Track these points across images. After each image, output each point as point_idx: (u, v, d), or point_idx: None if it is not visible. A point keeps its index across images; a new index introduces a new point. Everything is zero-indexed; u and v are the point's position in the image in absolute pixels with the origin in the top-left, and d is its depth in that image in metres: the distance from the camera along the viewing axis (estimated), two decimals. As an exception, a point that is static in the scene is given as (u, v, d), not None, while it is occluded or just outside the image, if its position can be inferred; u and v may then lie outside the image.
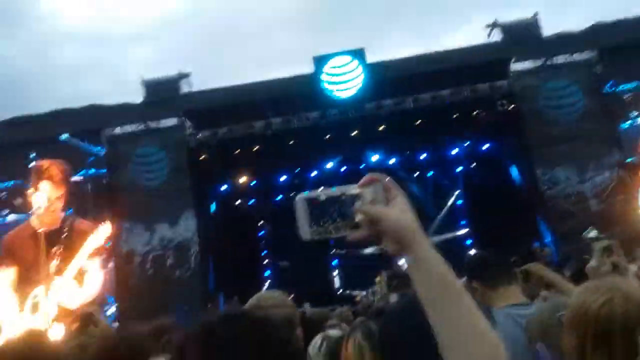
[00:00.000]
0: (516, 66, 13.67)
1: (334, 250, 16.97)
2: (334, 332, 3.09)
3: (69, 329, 2.83)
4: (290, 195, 16.27)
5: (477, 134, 15.10)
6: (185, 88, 14.73)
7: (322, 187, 1.13)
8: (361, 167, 15.28)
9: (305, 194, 1.11)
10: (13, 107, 14.92)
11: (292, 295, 6.40)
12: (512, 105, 13.34)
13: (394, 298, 7.31)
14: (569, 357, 1.72)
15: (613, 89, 13.30)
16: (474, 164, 16.42)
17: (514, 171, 14.54)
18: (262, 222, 17.29)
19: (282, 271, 15.94)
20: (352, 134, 14.31)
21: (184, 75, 14.79)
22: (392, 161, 15.91)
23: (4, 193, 14.08)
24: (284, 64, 16.57)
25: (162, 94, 14.33)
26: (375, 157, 15.53)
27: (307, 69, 13.96)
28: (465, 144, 15.84)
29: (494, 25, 14.45)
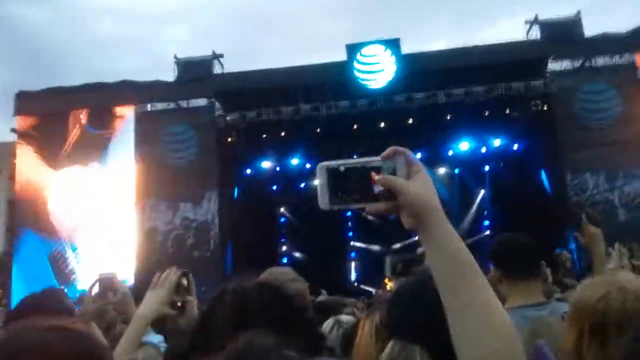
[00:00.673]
0: (554, 66, 13.36)
1: (352, 243, 16.98)
2: (346, 318, 3.08)
3: (89, 293, 2.88)
4: (313, 183, 16.34)
5: (509, 134, 14.82)
6: (217, 69, 14.79)
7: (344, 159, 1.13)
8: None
9: (325, 164, 1.11)
10: (46, 77, 15.18)
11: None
12: (547, 106, 13.05)
13: (396, 283, 7.31)
14: (567, 353, 1.70)
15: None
16: (502, 163, 16.13)
17: (543, 174, 14.25)
18: (283, 208, 17.34)
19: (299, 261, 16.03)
20: (381, 126, 14.19)
21: (217, 56, 14.83)
22: (418, 156, 15.61)
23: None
24: (317, 51, 16.52)
25: (195, 73, 14.41)
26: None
27: (340, 56, 13.88)
28: (495, 143, 15.57)
29: (534, 21, 14.09)
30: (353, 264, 17.04)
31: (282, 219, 17.50)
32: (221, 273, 13.26)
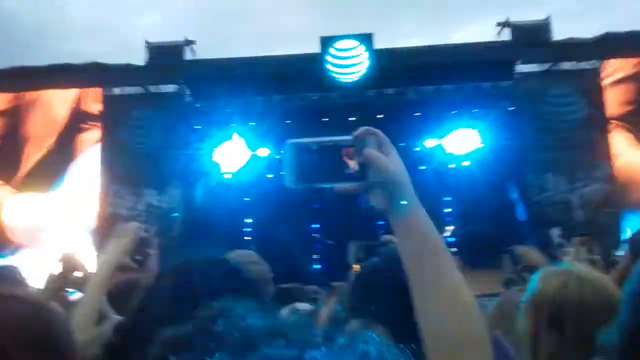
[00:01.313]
0: (522, 68, 13.60)
1: (317, 234, 16.98)
2: (302, 305, 3.09)
3: (51, 272, 2.81)
4: (281, 174, 16.28)
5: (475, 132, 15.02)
6: (189, 56, 14.60)
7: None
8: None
9: (295, 141, 1.08)
10: (12, 58, 14.71)
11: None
12: (513, 107, 13.29)
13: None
14: (522, 342, 1.73)
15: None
16: (468, 162, 16.36)
17: (506, 173, 14.52)
18: (249, 198, 17.23)
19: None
20: (351, 119, 14.23)
21: (189, 42, 14.64)
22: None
23: None
24: (290, 43, 16.40)
25: (165, 59, 14.20)
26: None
27: (314, 49, 13.84)
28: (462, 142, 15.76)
29: (505, 24, 14.32)
30: (317, 256, 17.06)
31: (249, 209, 17.40)
32: (185, 259, 13.12)
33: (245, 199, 17.16)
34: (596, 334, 1.41)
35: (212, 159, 15.56)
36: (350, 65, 13.64)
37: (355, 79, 13.57)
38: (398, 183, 1.04)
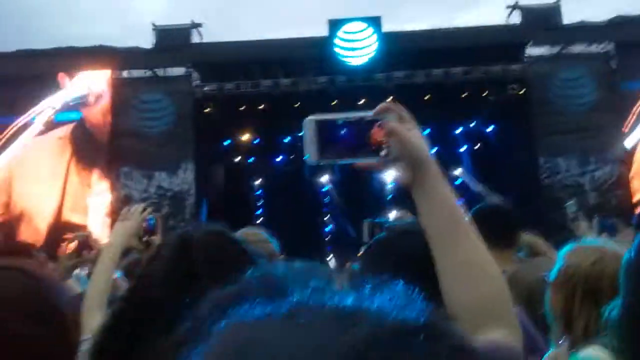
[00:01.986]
0: (532, 51, 13.48)
1: (328, 216, 17.04)
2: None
3: (64, 250, 2.85)
4: (291, 157, 16.31)
5: (485, 116, 14.98)
6: (196, 39, 14.53)
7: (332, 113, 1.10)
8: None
9: (316, 116, 1.08)
10: (20, 41, 14.68)
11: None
12: (523, 90, 13.20)
13: None
14: (555, 316, 1.74)
15: (627, 84, 13.14)
16: (479, 144, 16.33)
17: (518, 157, 14.49)
18: (259, 181, 17.30)
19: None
20: (359, 103, 14.18)
21: (196, 25, 14.56)
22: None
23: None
24: (298, 25, 16.32)
25: (172, 42, 14.13)
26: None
27: (321, 32, 13.75)
28: (472, 124, 15.71)
29: (514, 6, 14.18)
30: (328, 238, 17.12)
31: (258, 192, 17.46)
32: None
33: (256, 182, 17.25)
34: None
35: (224, 142, 15.61)
36: (359, 49, 13.55)
37: (364, 62, 13.49)
38: (422, 157, 1.03)
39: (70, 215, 13.27)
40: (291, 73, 13.61)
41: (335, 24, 13.59)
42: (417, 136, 1.05)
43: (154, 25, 14.40)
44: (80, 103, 13.83)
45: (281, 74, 13.59)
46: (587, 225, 3.58)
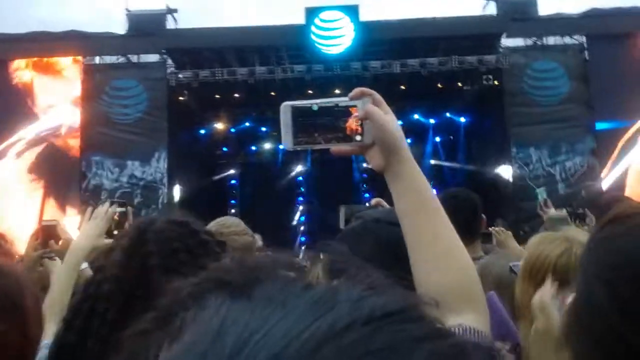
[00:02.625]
0: (507, 42, 13.60)
1: (301, 207, 17.07)
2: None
3: (31, 241, 2.77)
4: (264, 146, 16.25)
5: (459, 106, 15.11)
6: (170, 25, 14.28)
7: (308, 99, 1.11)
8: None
9: (292, 102, 1.09)
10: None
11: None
12: (497, 81, 13.33)
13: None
14: (524, 306, 1.75)
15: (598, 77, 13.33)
16: (452, 136, 16.48)
17: (491, 147, 14.65)
18: (233, 170, 17.21)
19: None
20: (336, 92, 14.15)
21: (171, 11, 14.30)
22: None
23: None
24: (275, 12, 16.18)
25: (146, 27, 13.86)
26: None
27: (298, 19, 13.65)
28: (447, 115, 15.85)
29: (491, -3, 14.25)
30: (302, 228, 17.14)
31: (232, 181, 17.38)
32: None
33: (231, 171, 17.15)
34: None
35: (198, 130, 15.44)
36: (335, 37, 13.49)
37: (340, 51, 13.44)
38: (396, 141, 1.04)
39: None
40: (267, 61, 13.50)
41: (312, 12, 13.50)
42: (392, 120, 1.06)
43: (127, 10, 14.11)
44: (51, 134, 13.49)
45: (257, 62, 13.47)
46: (555, 212, 3.64)
